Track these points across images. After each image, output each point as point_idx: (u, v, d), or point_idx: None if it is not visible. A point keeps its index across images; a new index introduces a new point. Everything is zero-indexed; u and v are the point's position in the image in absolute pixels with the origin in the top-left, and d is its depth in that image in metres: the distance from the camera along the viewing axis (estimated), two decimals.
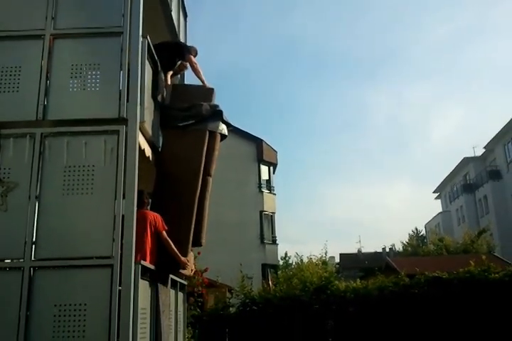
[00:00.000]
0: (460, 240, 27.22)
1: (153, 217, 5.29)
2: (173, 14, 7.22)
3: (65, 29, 4.97)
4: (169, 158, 5.89)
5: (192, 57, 6.59)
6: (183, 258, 5.41)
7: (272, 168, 27.65)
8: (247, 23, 75.28)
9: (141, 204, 5.36)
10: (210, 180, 6.17)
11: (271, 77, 79.63)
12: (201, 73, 6.56)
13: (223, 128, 6.42)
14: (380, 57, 76.00)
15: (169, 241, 5.30)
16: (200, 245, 6.00)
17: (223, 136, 6.47)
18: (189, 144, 6.01)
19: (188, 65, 6.78)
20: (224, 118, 6.41)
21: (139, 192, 5.21)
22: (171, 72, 6.66)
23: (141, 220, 5.01)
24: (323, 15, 74.79)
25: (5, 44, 4.94)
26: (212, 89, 6.57)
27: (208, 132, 6.15)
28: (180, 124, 6.02)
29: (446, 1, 72.50)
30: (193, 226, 5.65)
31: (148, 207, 5.51)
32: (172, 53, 6.47)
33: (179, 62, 6.68)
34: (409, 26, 75.16)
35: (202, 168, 5.92)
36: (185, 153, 5.93)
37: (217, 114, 6.32)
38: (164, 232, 5.31)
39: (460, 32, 71.20)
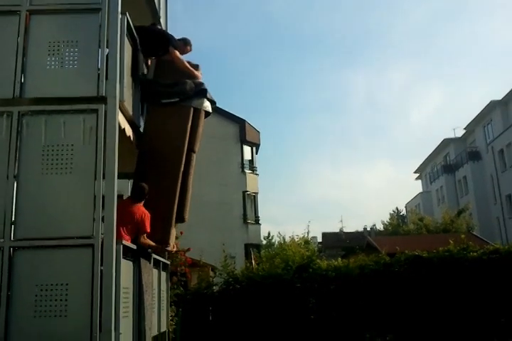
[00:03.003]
0: (440, 220, 27.66)
1: (142, 215, 5.30)
2: None
3: (41, 5, 4.83)
4: (153, 134, 5.86)
5: (176, 52, 6.20)
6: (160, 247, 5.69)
7: (254, 148, 27.61)
8: (226, 3, 74.12)
9: (140, 199, 5.42)
10: (194, 156, 6.18)
11: (252, 58, 78.93)
12: (187, 67, 6.26)
13: (207, 106, 6.38)
14: (359, 38, 75.68)
15: (146, 244, 5.38)
16: (184, 221, 6.05)
17: (207, 113, 6.43)
18: (173, 121, 5.98)
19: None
20: (208, 96, 6.36)
21: (142, 187, 5.31)
22: (152, 58, 6.47)
23: (130, 214, 5.06)
24: None
25: None
26: (197, 66, 6.48)
27: (192, 109, 6.11)
28: (165, 101, 5.97)
29: None
30: (176, 201, 5.68)
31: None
32: (156, 43, 6.16)
33: (162, 54, 6.29)
34: (389, 7, 74.61)
35: (186, 144, 5.92)
36: (170, 129, 5.92)
37: (201, 92, 6.26)
38: (144, 235, 5.32)
39: (439, 13, 70.97)
